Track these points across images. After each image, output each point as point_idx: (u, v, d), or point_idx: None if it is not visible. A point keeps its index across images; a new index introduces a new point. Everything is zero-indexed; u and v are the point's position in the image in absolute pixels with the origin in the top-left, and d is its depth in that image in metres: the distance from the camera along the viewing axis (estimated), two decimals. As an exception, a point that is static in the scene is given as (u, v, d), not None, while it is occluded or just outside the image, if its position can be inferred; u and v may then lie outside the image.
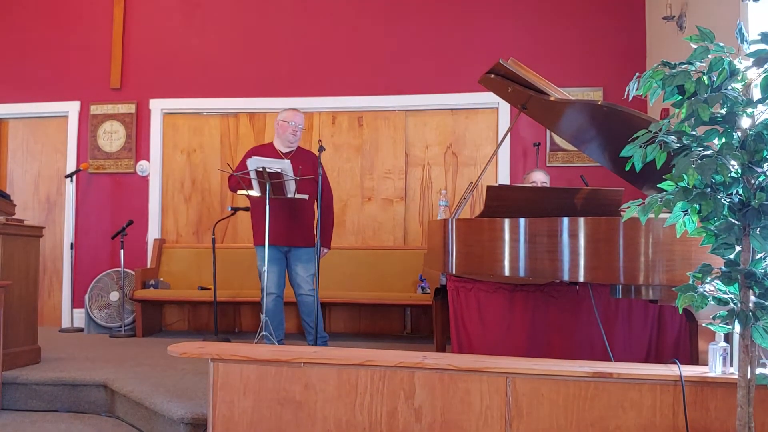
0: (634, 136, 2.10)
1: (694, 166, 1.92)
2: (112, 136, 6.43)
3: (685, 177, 1.95)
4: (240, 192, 4.65)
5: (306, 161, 4.68)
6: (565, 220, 2.95)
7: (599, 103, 3.32)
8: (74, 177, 6.31)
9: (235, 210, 5.69)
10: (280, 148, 4.75)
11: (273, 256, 4.62)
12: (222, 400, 2.72)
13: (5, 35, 6.64)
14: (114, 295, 5.98)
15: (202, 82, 6.38)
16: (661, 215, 2.09)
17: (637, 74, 2.14)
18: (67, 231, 6.37)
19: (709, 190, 1.97)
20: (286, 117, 4.74)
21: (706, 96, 1.97)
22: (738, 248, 2.04)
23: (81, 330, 6.03)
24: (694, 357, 2.81)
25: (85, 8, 6.57)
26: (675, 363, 2.51)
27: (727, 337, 2.45)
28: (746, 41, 2.01)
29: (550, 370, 2.52)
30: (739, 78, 2.00)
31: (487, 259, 3.21)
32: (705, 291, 2.06)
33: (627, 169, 2.24)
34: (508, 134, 4.05)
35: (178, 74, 6.42)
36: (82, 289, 6.13)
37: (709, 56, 2.00)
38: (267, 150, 4.74)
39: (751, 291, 2.02)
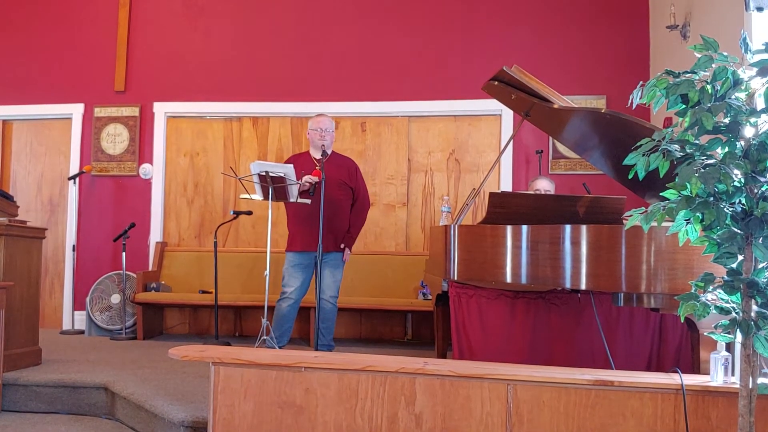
0: (637, 144, 2.11)
1: (697, 174, 1.92)
2: (115, 139, 6.44)
3: (688, 186, 1.95)
4: (243, 196, 4.66)
5: (341, 166, 4.71)
6: (568, 227, 2.95)
7: (602, 111, 3.33)
8: (77, 179, 6.33)
9: (237, 214, 5.70)
10: (315, 155, 4.76)
11: (302, 263, 4.65)
12: (223, 403, 2.72)
13: (10, 37, 6.66)
14: (115, 298, 5.99)
15: (205, 85, 6.39)
16: (664, 224, 2.10)
17: (641, 83, 2.15)
18: (69, 233, 6.38)
19: (711, 199, 1.97)
20: (312, 125, 4.81)
21: (709, 105, 1.97)
22: (740, 257, 2.04)
23: (82, 332, 6.03)
24: (695, 366, 2.81)
25: (90, 11, 6.59)
26: (676, 372, 2.50)
27: (729, 347, 2.45)
28: (750, 51, 2.02)
29: (551, 377, 2.52)
30: (742, 87, 2.01)
31: (488, 266, 3.21)
32: (707, 300, 2.06)
33: (630, 177, 2.24)
34: (511, 141, 4.06)
35: (182, 78, 6.43)
36: (83, 292, 6.13)
37: (713, 65, 2.01)
38: (304, 158, 4.79)
39: (753, 300, 2.02)
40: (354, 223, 4.85)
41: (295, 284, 4.65)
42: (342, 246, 4.78)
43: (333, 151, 4.80)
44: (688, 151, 2.02)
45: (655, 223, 2.03)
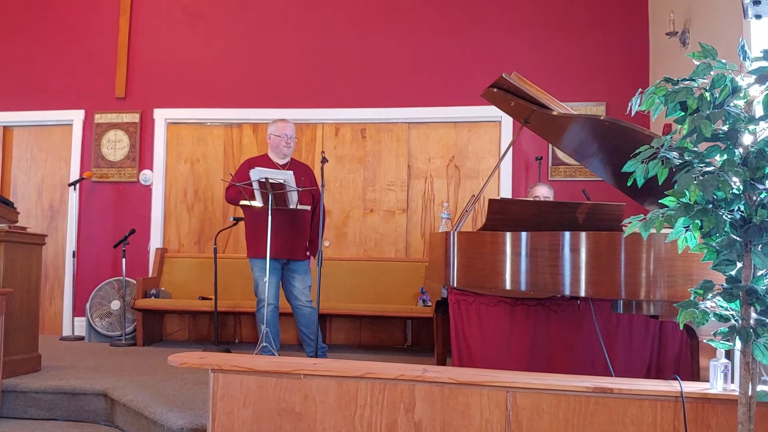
0: (637, 151, 2.11)
1: (695, 182, 1.92)
2: (116, 145, 6.45)
3: (687, 193, 1.95)
4: (243, 203, 4.66)
5: (301, 173, 4.70)
6: (567, 234, 2.95)
7: (602, 118, 3.33)
8: (77, 185, 6.33)
9: (237, 220, 5.69)
10: (276, 161, 4.76)
11: (270, 267, 4.63)
12: (222, 410, 2.72)
13: (11, 44, 6.68)
14: (115, 304, 5.99)
15: (206, 92, 6.41)
16: (663, 231, 2.10)
17: (640, 90, 2.15)
18: (69, 239, 6.38)
19: (710, 206, 1.98)
20: (276, 131, 4.76)
21: (708, 112, 1.97)
22: (739, 265, 2.04)
23: (82, 338, 6.03)
24: (695, 373, 2.81)
25: (91, 18, 6.61)
26: (676, 379, 2.50)
27: (728, 354, 2.45)
28: (748, 58, 2.02)
29: (551, 384, 2.51)
30: (741, 95, 2.01)
31: (488, 273, 3.21)
32: (706, 307, 2.05)
33: (629, 184, 2.24)
34: (511, 148, 4.06)
35: (183, 84, 6.45)
36: (83, 298, 6.13)
37: (712, 73, 2.01)
38: (263, 162, 4.74)
39: (752, 308, 2.02)
40: (317, 231, 4.78)
41: (270, 289, 4.64)
42: (308, 254, 4.81)
43: (291, 158, 4.83)
44: (686, 158, 2.03)
45: (654, 230, 2.03)
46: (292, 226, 4.67)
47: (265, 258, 4.50)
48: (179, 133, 6.49)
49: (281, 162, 4.76)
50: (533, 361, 3.59)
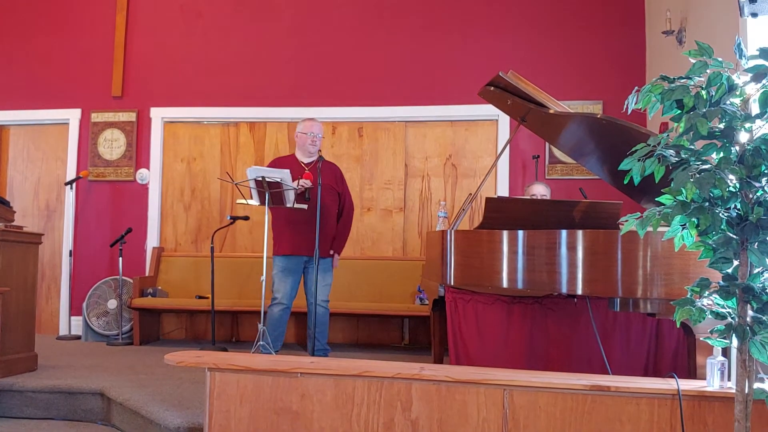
0: (633, 149, 2.11)
1: (692, 180, 1.92)
2: (112, 144, 6.44)
3: (684, 191, 1.96)
4: (239, 201, 4.66)
5: (329, 171, 4.71)
6: (564, 232, 2.95)
7: (598, 116, 3.33)
8: (74, 184, 6.32)
9: (234, 219, 5.69)
10: (302, 159, 4.77)
11: (291, 267, 4.64)
12: (218, 409, 2.72)
13: (7, 42, 6.66)
14: (112, 303, 5.98)
15: (202, 91, 6.40)
16: (660, 229, 2.10)
17: (637, 88, 2.15)
18: (66, 238, 6.37)
19: (707, 204, 1.98)
20: (303, 128, 4.78)
21: (704, 110, 1.98)
22: (736, 262, 2.04)
23: (78, 338, 6.02)
24: (692, 371, 2.81)
25: (88, 16, 6.59)
26: (673, 377, 2.50)
27: (725, 352, 2.45)
28: (745, 56, 2.02)
29: (548, 382, 2.51)
30: (737, 93, 2.01)
31: (485, 271, 3.21)
32: (703, 305, 2.06)
33: (625, 182, 2.24)
34: (508, 146, 4.06)
35: (179, 83, 6.44)
36: (80, 297, 6.12)
37: (708, 71, 2.01)
38: (290, 161, 4.76)
39: (748, 305, 2.02)
40: (342, 229, 4.84)
41: (285, 289, 4.64)
42: (331, 252, 4.78)
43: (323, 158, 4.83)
44: (683, 156, 2.03)
45: (650, 228, 2.03)
46: (315, 223, 4.64)
47: (285, 255, 4.59)
48: (176, 132, 6.48)
49: (307, 160, 4.75)
50: (530, 360, 3.60)
